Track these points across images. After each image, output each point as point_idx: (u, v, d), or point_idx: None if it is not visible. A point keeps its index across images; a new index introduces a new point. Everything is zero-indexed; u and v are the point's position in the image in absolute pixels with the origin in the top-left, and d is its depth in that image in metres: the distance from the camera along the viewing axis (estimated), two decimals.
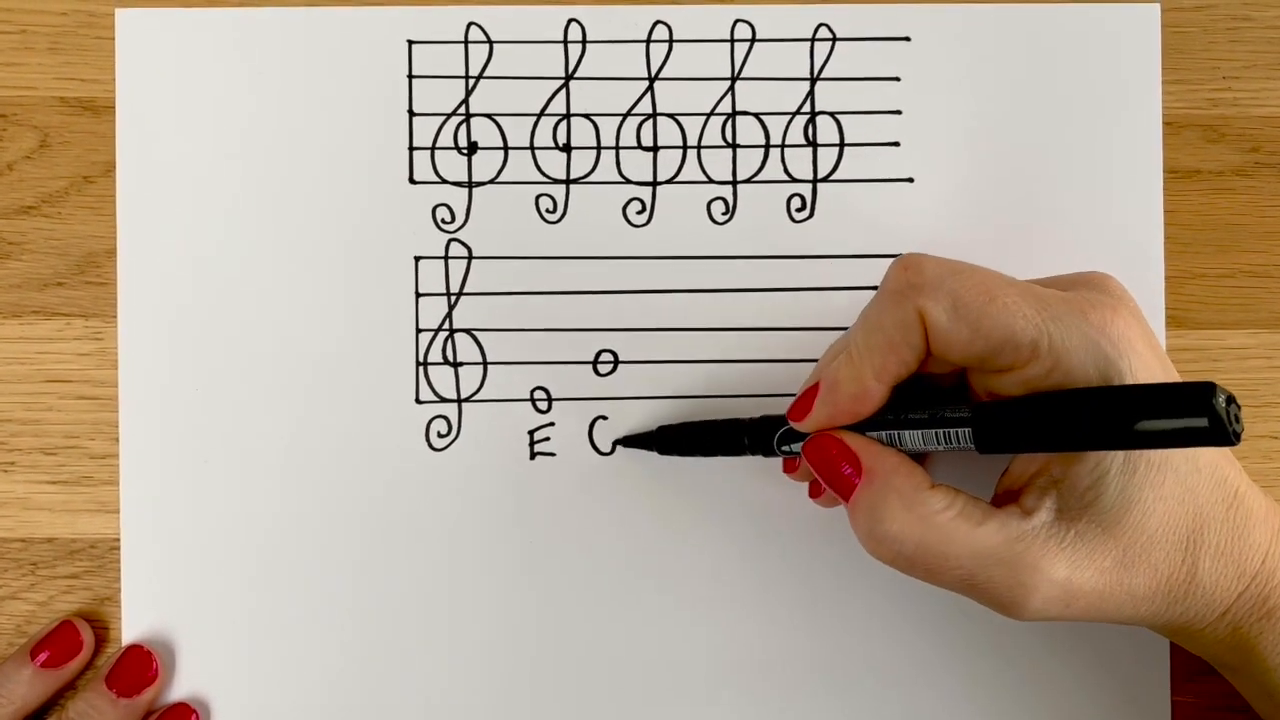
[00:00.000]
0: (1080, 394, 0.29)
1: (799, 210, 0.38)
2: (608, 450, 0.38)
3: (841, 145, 0.38)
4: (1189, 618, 0.31)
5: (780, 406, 0.38)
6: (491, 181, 0.38)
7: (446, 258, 0.38)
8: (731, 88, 0.38)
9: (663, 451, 0.37)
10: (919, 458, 0.32)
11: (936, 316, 0.30)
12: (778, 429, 0.34)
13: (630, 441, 0.38)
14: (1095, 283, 0.32)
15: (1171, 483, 0.29)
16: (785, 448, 0.34)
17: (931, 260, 0.31)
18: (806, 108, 0.38)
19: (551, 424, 0.38)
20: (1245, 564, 0.30)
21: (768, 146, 0.38)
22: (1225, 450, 0.31)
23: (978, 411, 0.30)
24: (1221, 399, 0.26)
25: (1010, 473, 0.32)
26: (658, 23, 0.38)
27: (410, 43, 0.38)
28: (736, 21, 0.38)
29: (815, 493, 0.36)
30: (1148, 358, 0.30)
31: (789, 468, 0.36)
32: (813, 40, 0.38)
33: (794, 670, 0.38)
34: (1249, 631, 0.31)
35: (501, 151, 0.38)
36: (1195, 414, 0.26)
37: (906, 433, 0.32)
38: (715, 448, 0.36)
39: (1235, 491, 0.30)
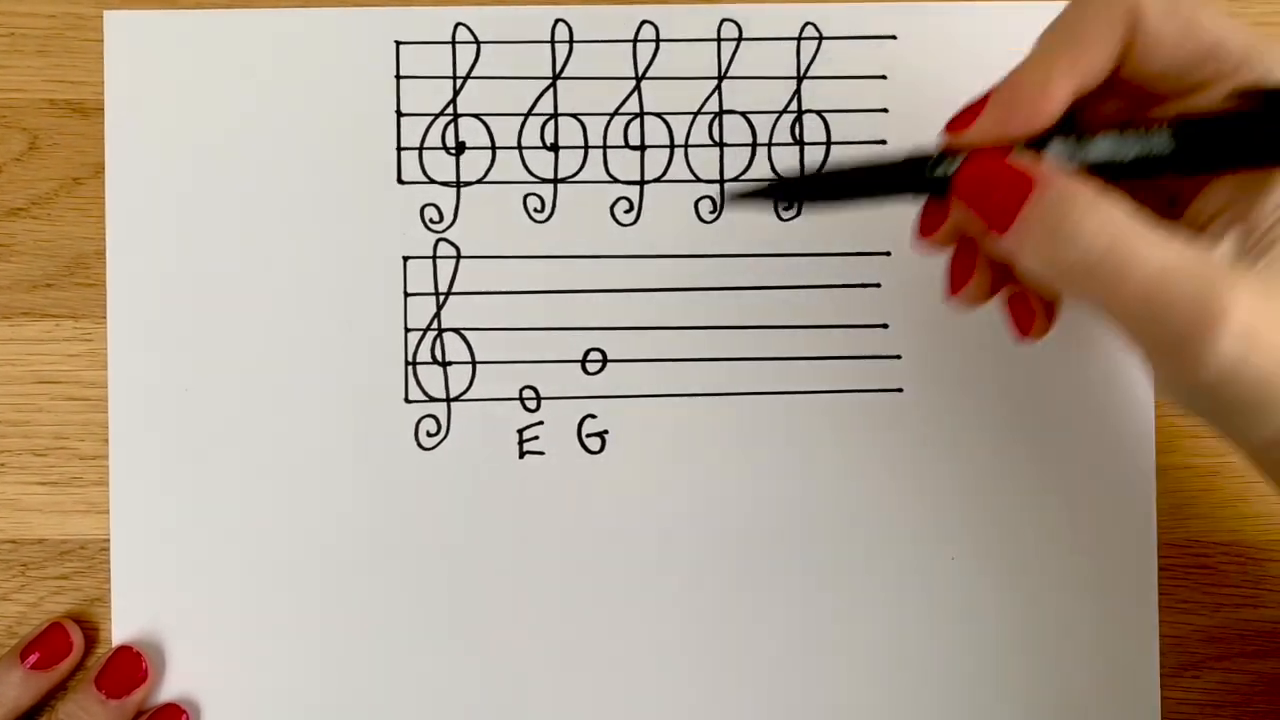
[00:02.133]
0: None
1: (786, 209, 0.38)
2: (597, 449, 0.38)
3: (828, 143, 0.39)
4: None
5: (776, 402, 0.38)
6: (479, 181, 0.38)
7: (435, 257, 0.38)
8: (718, 87, 0.39)
9: (788, 200, 0.31)
10: None
11: (1154, 7, 0.27)
12: (929, 164, 0.29)
13: (747, 195, 0.30)
14: None
15: None
16: (940, 171, 0.29)
17: None
18: (793, 106, 0.39)
19: (540, 423, 0.38)
20: None
21: (755, 145, 0.39)
22: None
23: (1184, 118, 0.27)
24: None
25: (1186, 217, 0.29)
26: (644, 22, 0.38)
27: (398, 43, 0.38)
28: (723, 21, 0.39)
29: (955, 286, 0.32)
30: None
31: (928, 229, 0.31)
32: (799, 39, 0.39)
33: (787, 668, 0.38)
34: None
35: (489, 151, 0.38)
36: None
37: (1097, 138, 0.28)
38: (850, 190, 0.30)
39: None
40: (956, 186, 0.28)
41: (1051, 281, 0.27)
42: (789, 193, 0.31)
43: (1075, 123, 0.29)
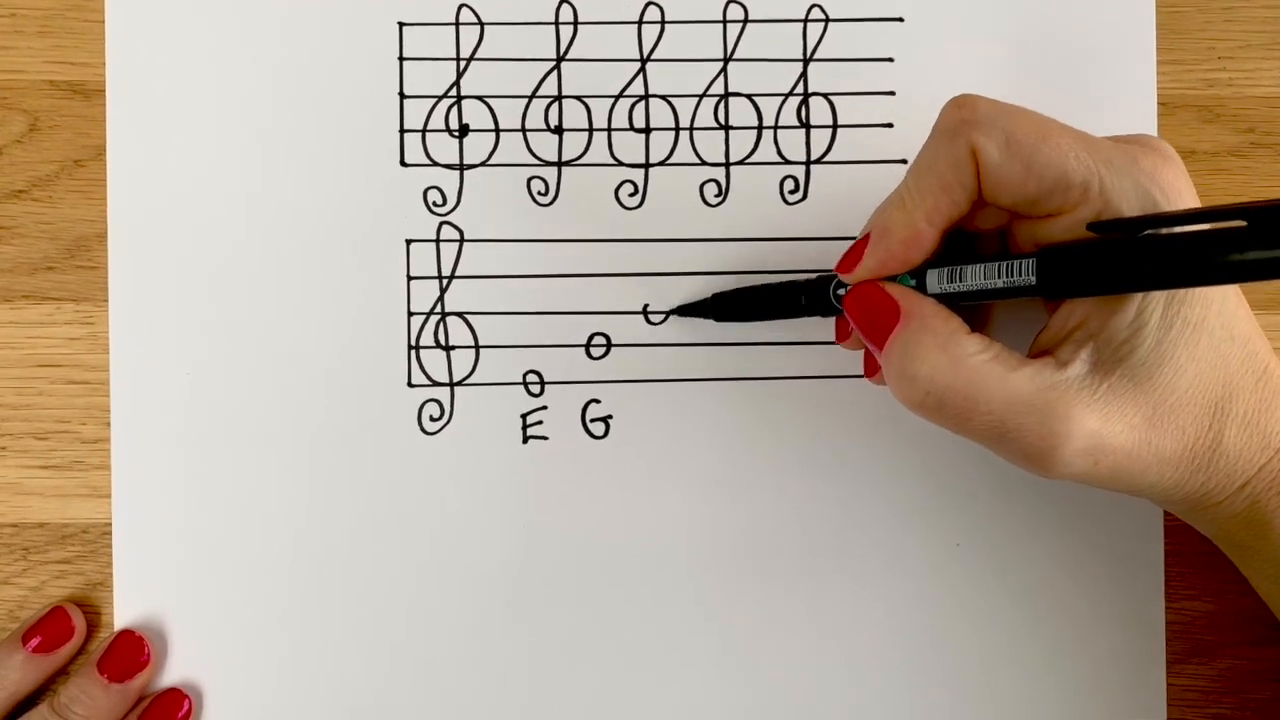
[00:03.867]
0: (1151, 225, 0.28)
1: (792, 192, 0.38)
2: (600, 434, 0.38)
3: (835, 127, 0.38)
4: (1209, 488, 0.31)
5: (777, 388, 0.38)
6: (483, 164, 0.38)
7: (438, 240, 0.38)
8: (724, 69, 0.38)
9: (719, 319, 0.37)
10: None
11: (990, 152, 0.30)
12: (833, 284, 0.34)
13: (686, 310, 0.37)
14: (1145, 140, 0.31)
15: (1205, 345, 0.29)
16: (841, 291, 0.33)
17: (985, 99, 0.31)
18: (799, 89, 0.38)
19: (544, 407, 0.38)
20: (1270, 437, 0.31)
21: (760, 128, 0.38)
22: (1258, 327, 0.31)
23: (1045, 251, 0.30)
24: None
25: (1048, 329, 0.32)
26: (649, 4, 0.38)
27: (401, 25, 0.38)
28: (729, 2, 0.38)
29: (870, 370, 0.35)
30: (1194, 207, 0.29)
31: (842, 336, 0.35)
32: (805, 21, 0.38)
33: (790, 654, 0.38)
34: (1267, 506, 0.31)
35: (493, 134, 0.38)
36: None
37: (968, 267, 0.31)
38: (772, 310, 0.36)
39: (1265, 367, 0.31)
40: (847, 310, 0.32)
41: (911, 408, 0.31)
42: (720, 311, 0.37)
43: (948, 253, 0.32)
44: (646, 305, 0.38)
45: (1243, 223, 0.26)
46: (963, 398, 0.30)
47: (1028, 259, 0.30)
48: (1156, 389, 0.29)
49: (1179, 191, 0.29)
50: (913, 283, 0.32)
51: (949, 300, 0.31)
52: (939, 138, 0.31)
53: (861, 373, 0.36)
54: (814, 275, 0.35)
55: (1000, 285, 0.30)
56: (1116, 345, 0.29)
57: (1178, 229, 0.27)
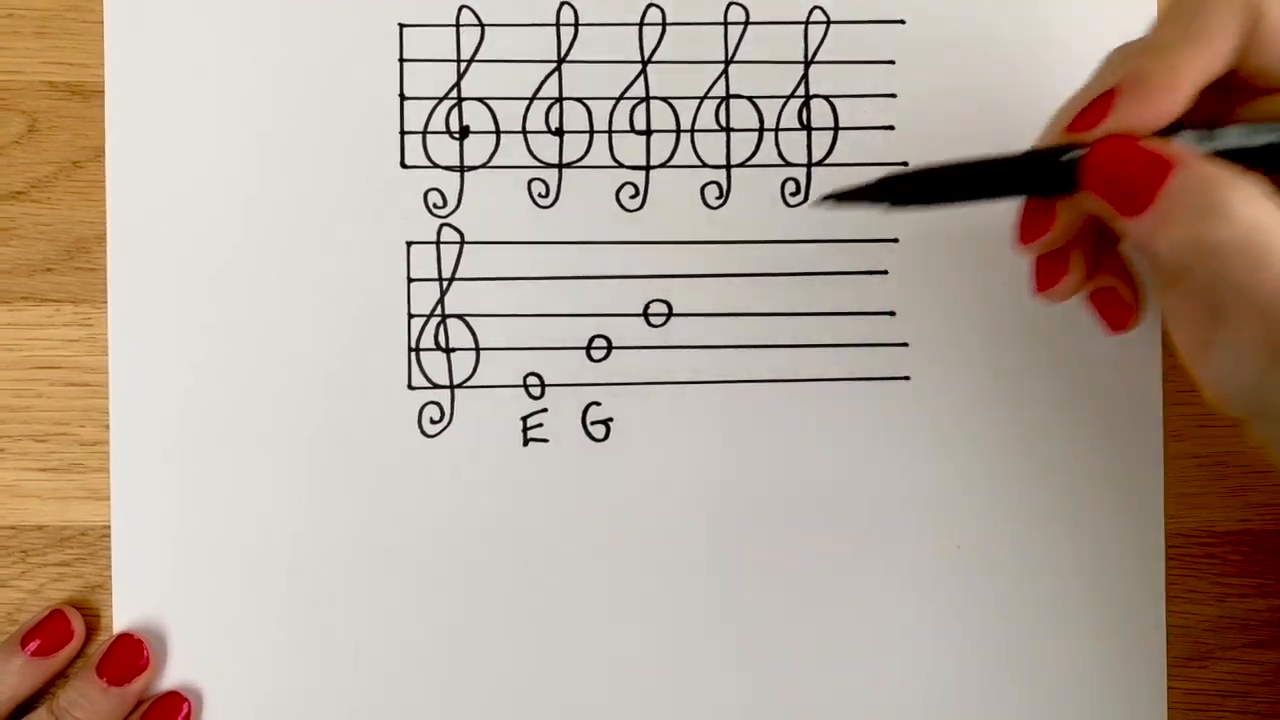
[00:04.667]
0: None
1: (793, 194, 0.38)
2: (601, 436, 0.38)
3: (836, 129, 0.38)
4: None
5: (778, 391, 0.38)
6: (484, 166, 0.38)
7: (438, 243, 0.38)
8: (725, 71, 0.38)
9: (894, 203, 0.30)
10: None
11: (1275, 5, 0.27)
12: (1052, 156, 0.29)
13: (845, 196, 0.30)
14: None
15: None
16: (1069, 156, 0.28)
17: None
18: (801, 91, 0.38)
19: (544, 410, 0.38)
20: None
21: (761, 130, 0.38)
22: None
23: None
24: None
25: None
26: (650, 5, 0.38)
27: (401, 26, 0.38)
28: (730, 4, 0.38)
29: (1046, 282, 0.32)
30: None
31: (1029, 234, 0.31)
32: (806, 23, 0.38)
33: (792, 657, 0.38)
34: None
35: (494, 135, 0.38)
36: None
37: (1226, 129, 0.28)
38: (966, 190, 0.30)
39: None
40: (1087, 172, 0.28)
41: (1191, 262, 0.27)
42: (895, 192, 0.30)
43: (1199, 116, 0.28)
44: (648, 307, 0.38)
45: None
46: (1263, 241, 0.26)
47: None
48: None
49: None
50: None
51: None
52: None
53: (864, 376, 0.36)
54: (1017, 153, 0.29)
55: (1263, 143, 0.28)
56: None
57: None
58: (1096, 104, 0.29)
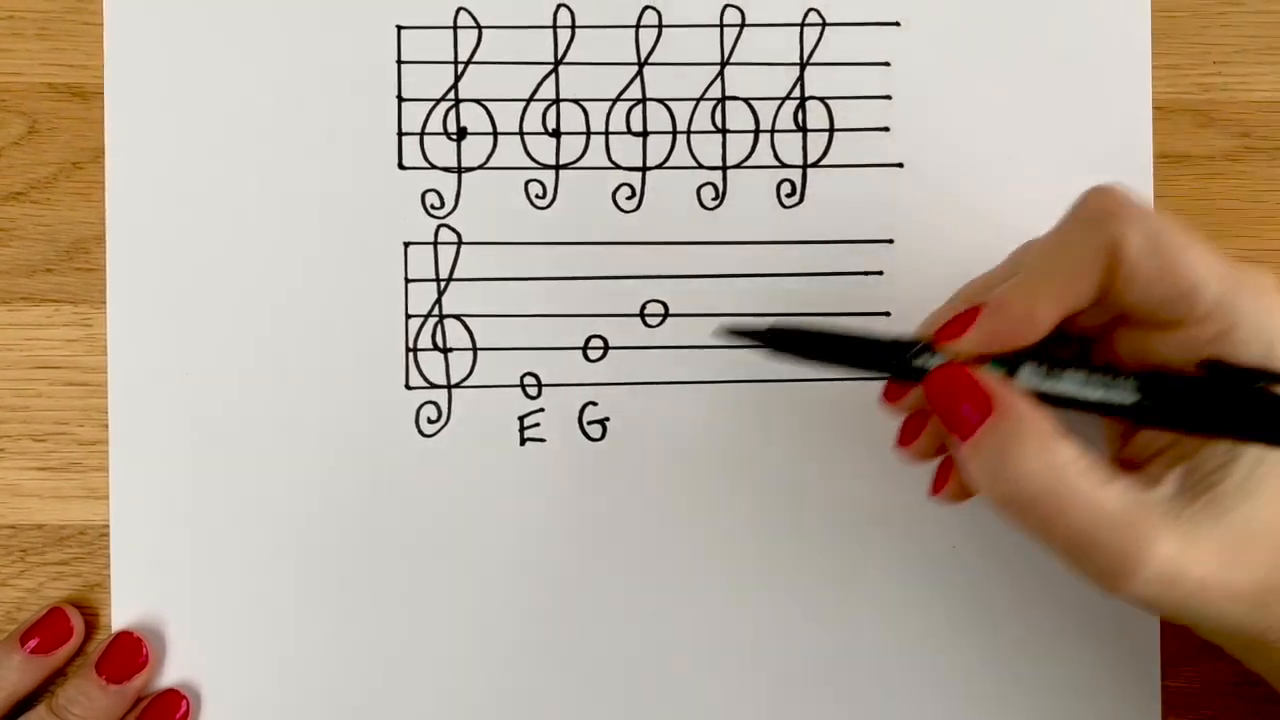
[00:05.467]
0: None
1: (789, 196, 0.38)
2: (598, 436, 0.38)
3: (831, 130, 0.38)
4: (1270, 624, 0.29)
5: (774, 391, 0.38)
6: (481, 167, 0.38)
7: (436, 243, 0.38)
8: (721, 73, 0.38)
9: (776, 348, 0.31)
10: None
11: (1135, 246, 0.28)
12: (908, 350, 0.31)
13: (739, 332, 0.32)
14: (1267, 275, 0.30)
15: None
16: (919, 362, 0.30)
17: (1127, 192, 0.29)
18: (796, 93, 0.38)
19: (541, 410, 0.38)
20: None
21: (757, 132, 0.38)
22: None
23: (1151, 376, 0.29)
24: None
25: (1136, 442, 0.31)
26: (647, 8, 0.38)
27: (399, 28, 0.38)
28: (726, 6, 0.38)
29: (906, 439, 0.33)
30: None
31: (891, 397, 0.33)
32: (802, 25, 0.38)
33: (788, 657, 0.38)
34: None
35: (491, 137, 0.38)
36: None
37: (1068, 371, 0.29)
38: (835, 357, 0.31)
39: None
40: (928, 387, 0.30)
41: (990, 503, 0.29)
42: (780, 342, 0.32)
43: (1047, 350, 0.30)
44: (644, 307, 0.38)
45: None
46: (1053, 506, 0.28)
47: (1129, 380, 0.29)
48: (1237, 521, 0.28)
49: None
50: (1002, 371, 0.30)
51: (1035, 398, 0.30)
52: (1077, 223, 0.30)
53: (860, 376, 0.36)
54: (889, 338, 0.31)
55: (1096, 399, 0.29)
56: (1208, 471, 0.29)
57: None
58: (961, 319, 0.30)
